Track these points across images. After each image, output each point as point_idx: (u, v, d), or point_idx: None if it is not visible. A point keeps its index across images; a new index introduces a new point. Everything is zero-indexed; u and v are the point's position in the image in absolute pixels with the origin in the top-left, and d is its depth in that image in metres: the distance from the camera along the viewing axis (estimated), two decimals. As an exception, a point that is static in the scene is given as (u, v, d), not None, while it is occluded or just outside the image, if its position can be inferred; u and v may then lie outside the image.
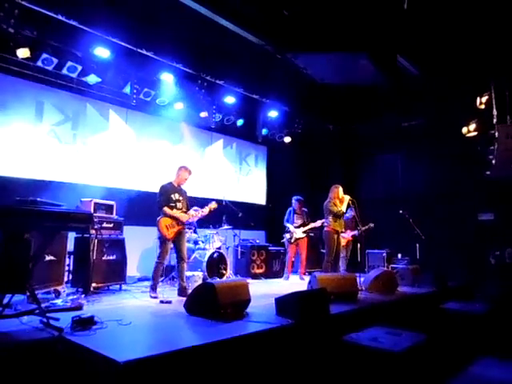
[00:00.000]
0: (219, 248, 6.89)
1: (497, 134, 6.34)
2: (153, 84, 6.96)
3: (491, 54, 6.39)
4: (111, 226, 5.73)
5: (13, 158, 6.06)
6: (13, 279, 3.34)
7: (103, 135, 7.25)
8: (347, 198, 6.46)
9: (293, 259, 7.98)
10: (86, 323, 3.16)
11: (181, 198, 5.36)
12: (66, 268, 5.21)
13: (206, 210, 5.69)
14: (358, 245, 7.76)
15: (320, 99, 8.70)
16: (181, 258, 5.28)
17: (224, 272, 6.66)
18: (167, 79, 6.84)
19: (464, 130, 7.42)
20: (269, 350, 3.27)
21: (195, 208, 5.90)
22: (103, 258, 5.42)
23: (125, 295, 5.28)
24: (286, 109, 8.72)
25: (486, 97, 6.71)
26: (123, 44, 5.82)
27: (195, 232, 7.21)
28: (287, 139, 9.34)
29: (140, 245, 7.19)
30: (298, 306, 3.79)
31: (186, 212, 5.38)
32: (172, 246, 5.26)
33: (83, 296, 4.78)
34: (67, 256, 5.19)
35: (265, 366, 3.13)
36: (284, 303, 3.97)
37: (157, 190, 5.39)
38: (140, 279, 6.72)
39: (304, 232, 7.51)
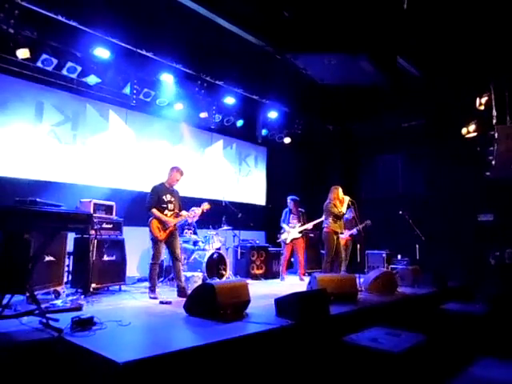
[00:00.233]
0: (219, 249, 6.89)
1: (496, 134, 6.34)
2: (153, 84, 6.96)
3: (491, 55, 6.39)
4: (111, 226, 5.74)
5: (13, 159, 6.06)
6: (12, 280, 3.34)
7: (103, 136, 7.25)
8: (347, 198, 6.46)
9: (292, 259, 7.99)
10: (85, 324, 3.16)
11: (173, 199, 5.35)
12: (66, 268, 5.21)
13: (198, 211, 5.68)
14: (358, 245, 7.76)
15: (320, 100, 8.70)
16: (175, 259, 5.28)
17: (224, 273, 6.65)
18: (167, 80, 6.84)
19: (464, 130, 7.43)
20: (269, 350, 3.27)
21: (193, 208, 5.90)
22: (103, 259, 5.42)
23: (124, 296, 5.28)
24: (286, 109, 8.72)
25: (486, 97, 6.71)
26: (123, 44, 5.82)
27: (195, 233, 7.21)
28: (287, 140, 9.34)
29: (140, 245, 7.17)
30: (298, 306, 3.79)
31: (178, 213, 5.37)
32: (165, 246, 5.26)
33: (83, 297, 4.78)
34: (67, 256, 5.19)
35: (265, 367, 3.13)
36: (284, 304, 3.97)
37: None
38: (140, 280, 6.71)
39: (300, 232, 7.50)
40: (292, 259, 8.26)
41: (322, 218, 7.12)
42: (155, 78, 6.82)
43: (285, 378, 3.20)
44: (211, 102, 7.75)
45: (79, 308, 4.00)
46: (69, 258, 5.36)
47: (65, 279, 5.12)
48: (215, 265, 6.59)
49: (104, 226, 5.59)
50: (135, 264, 7.09)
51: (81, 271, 5.25)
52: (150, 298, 5.00)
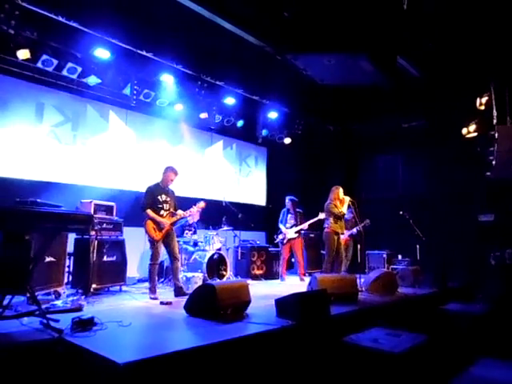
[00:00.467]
0: (219, 249, 6.89)
1: (497, 134, 6.33)
2: (153, 85, 6.97)
3: (491, 55, 6.39)
4: (111, 227, 5.74)
5: (13, 159, 6.06)
6: (13, 280, 3.34)
7: (103, 136, 7.26)
8: (347, 199, 6.46)
9: (292, 260, 7.99)
10: (86, 324, 3.16)
11: (168, 199, 5.35)
12: (66, 269, 5.22)
13: (193, 210, 5.70)
14: (358, 246, 7.76)
15: (320, 100, 8.70)
16: (174, 258, 5.29)
17: (224, 273, 6.66)
18: (167, 80, 6.85)
19: (464, 130, 7.42)
20: (269, 351, 3.27)
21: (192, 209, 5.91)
22: (103, 259, 5.42)
23: (125, 296, 5.28)
24: (286, 110, 8.72)
25: (486, 97, 6.70)
26: (123, 45, 5.83)
27: (195, 233, 7.20)
28: (287, 140, 9.35)
29: (140, 246, 7.17)
30: (299, 307, 3.79)
31: (173, 212, 5.37)
32: (163, 246, 5.26)
33: (83, 297, 4.78)
34: (67, 257, 5.20)
35: (265, 368, 3.13)
36: (284, 304, 3.96)
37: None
38: (140, 280, 6.72)
39: (296, 232, 7.49)
40: (292, 259, 8.27)
41: (318, 218, 7.14)
42: (155, 79, 6.82)
43: (285, 378, 3.20)
44: (211, 103, 7.76)
45: (80, 309, 4.00)
46: (69, 258, 5.38)
47: (65, 280, 5.12)
48: (216, 265, 6.59)
49: (104, 226, 5.59)
50: (135, 264, 7.09)
51: (81, 272, 5.25)
52: (151, 298, 5.00)
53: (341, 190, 6.50)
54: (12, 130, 6.10)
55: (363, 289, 5.83)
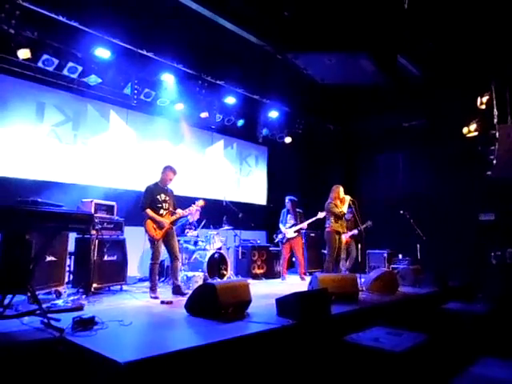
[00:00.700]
0: (220, 248, 6.89)
1: (497, 133, 6.32)
2: (153, 84, 6.97)
3: (492, 54, 6.38)
4: (112, 226, 5.74)
5: (14, 159, 6.07)
6: (14, 280, 3.35)
7: (104, 136, 7.26)
8: (348, 198, 6.45)
9: (293, 259, 7.98)
10: (86, 324, 3.16)
11: (167, 199, 5.36)
12: (67, 268, 5.22)
13: (192, 209, 5.70)
14: (359, 245, 7.76)
15: (320, 99, 8.70)
16: (174, 257, 5.30)
17: (225, 272, 6.66)
18: (168, 80, 6.85)
19: (465, 130, 7.41)
20: (270, 350, 3.27)
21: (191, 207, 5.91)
22: (104, 259, 5.43)
23: (125, 296, 5.28)
24: (287, 109, 8.72)
25: (487, 97, 6.69)
26: (124, 45, 5.83)
27: (195, 230, 7.18)
28: (288, 139, 9.35)
29: (141, 245, 7.17)
30: (299, 306, 3.79)
31: (173, 211, 5.38)
32: (163, 246, 5.27)
33: (84, 296, 4.79)
34: (68, 256, 5.21)
35: (266, 367, 3.13)
36: (285, 303, 3.96)
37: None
38: (141, 280, 6.72)
39: (295, 232, 7.48)
40: (293, 259, 8.27)
41: (317, 217, 7.15)
42: (156, 78, 6.82)
43: (286, 377, 3.20)
44: (212, 102, 7.76)
45: (80, 308, 4.01)
46: (70, 258, 5.38)
47: (66, 279, 5.12)
48: (216, 265, 6.60)
49: (105, 226, 5.60)
50: (136, 264, 7.10)
51: (82, 271, 5.26)
52: (151, 297, 5.01)
53: (341, 189, 6.49)
54: (13, 130, 6.10)
55: (364, 288, 5.82)
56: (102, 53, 5.89)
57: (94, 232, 5.19)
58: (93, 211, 5.39)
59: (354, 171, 10.16)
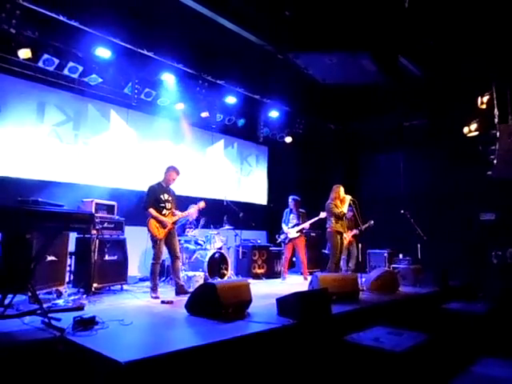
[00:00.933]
0: (220, 248, 6.89)
1: (498, 133, 6.31)
2: (154, 84, 6.97)
3: (492, 54, 6.37)
4: (112, 226, 5.74)
5: (14, 159, 6.07)
6: (15, 279, 3.35)
7: (104, 135, 7.26)
8: (348, 197, 6.44)
9: (294, 259, 7.98)
10: (87, 323, 3.17)
11: (170, 199, 5.37)
12: (68, 268, 5.22)
13: (193, 210, 5.70)
14: (360, 245, 7.76)
15: (321, 99, 8.69)
16: (175, 257, 5.31)
17: (225, 272, 6.66)
18: (168, 79, 6.84)
19: (465, 129, 7.40)
20: (270, 350, 3.27)
21: (190, 207, 5.92)
22: (104, 259, 5.43)
23: (126, 295, 5.29)
24: (287, 109, 8.72)
25: (488, 96, 6.68)
26: (124, 44, 5.83)
27: (195, 229, 7.18)
28: (288, 139, 9.35)
29: (141, 245, 7.17)
30: (300, 306, 3.79)
31: (174, 212, 5.39)
32: (164, 245, 5.27)
33: (85, 296, 4.79)
34: (69, 256, 5.21)
35: (266, 366, 3.13)
36: (285, 303, 3.97)
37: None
38: (141, 279, 6.72)
39: (298, 231, 7.47)
40: (294, 259, 8.27)
41: (319, 217, 7.14)
42: (156, 78, 6.82)
43: (287, 377, 3.20)
44: (212, 102, 7.75)
45: (81, 308, 4.01)
46: (71, 257, 5.38)
47: (67, 279, 5.13)
48: (217, 264, 6.60)
49: (106, 225, 5.60)
50: (137, 263, 7.10)
51: (82, 271, 5.26)
52: (152, 297, 5.01)
53: (342, 189, 6.48)
54: (13, 130, 6.11)
55: (364, 288, 5.82)
56: (103, 52, 5.89)
57: (94, 232, 5.20)
58: (93, 211, 5.39)
59: (355, 171, 10.16)
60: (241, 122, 8.52)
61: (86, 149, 6.97)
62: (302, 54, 6.54)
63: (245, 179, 9.89)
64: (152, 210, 5.16)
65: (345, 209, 6.41)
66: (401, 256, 8.19)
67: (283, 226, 7.59)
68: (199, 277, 5.83)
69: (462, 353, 3.65)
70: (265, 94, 8.00)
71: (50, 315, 3.27)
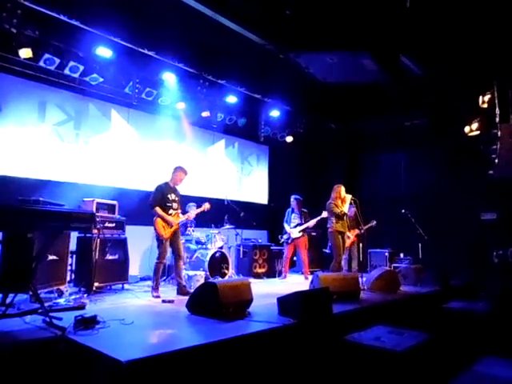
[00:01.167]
0: (221, 247, 6.90)
1: (499, 133, 6.30)
2: (155, 84, 6.97)
3: (494, 53, 6.36)
4: (113, 225, 5.75)
5: (15, 158, 6.07)
6: (16, 278, 3.36)
7: (105, 135, 7.26)
8: (349, 197, 6.44)
9: (294, 258, 7.97)
10: (88, 323, 3.17)
11: (176, 199, 5.40)
12: (69, 267, 5.23)
13: (192, 214, 5.73)
14: (361, 244, 7.75)
15: (322, 98, 8.68)
16: (179, 257, 5.32)
17: (226, 271, 6.66)
18: (169, 79, 6.84)
19: (466, 129, 7.39)
20: (271, 349, 3.27)
21: (192, 204, 5.92)
22: (105, 258, 5.44)
23: (127, 295, 5.29)
24: (288, 108, 8.71)
25: (489, 96, 6.67)
26: (125, 44, 5.82)
27: (194, 227, 7.17)
28: (289, 139, 9.35)
29: (142, 244, 7.19)
30: (301, 305, 3.79)
31: (180, 212, 5.42)
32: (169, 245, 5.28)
33: (86, 295, 4.80)
34: (70, 255, 5.21)
35: (267, 366, 3.13)
36: (286, 303, 3.97)
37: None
38: (142, 279, 6.72)
39: (300, 231, 7.46)
40: (295, 258, 8.26)
41: (321, 216, 7.12)
42: (157, 77, 6.82)
43: (287, 376, 3.20)
44: (213, 101, 7.75)
45: (82, 307, 4.02)
46: (72, 257, 5.39)
47: (68, 278, 5.14)
48: (218, 264, 6.60)
49: (107, 225, 5.60)
50: (138, 263, 7.10)
51: (84, 270, 5.27)
52: (153, 296, 5.01)
53: (342, 189, 6.48)
54: (14, 129, 6.11)
55: (365, 287, 5.82)
56: (104, 52, 5.89)
57: (95, 231, 5.20)
58: (94, 210, 5.39)
59: (356, 170, 10.15)
60: (242, 121, 8.52)
61: (86, 148, 6.98)
62: (302, 54, 6.54)
63: (246, 179, 9.89)
64: (158, 209, 5.17)
65: (345, 208, 6.41)
66: (402, 255, 8.19)
67: (285, 225, 7.58)
68: (200, 276, 5.84)
69: (463, 352, 3.65)
70: (266, 94, 7.99)
71: (51, 314, 3.28)
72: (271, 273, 7.76)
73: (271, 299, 4.41)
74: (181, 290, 5.20)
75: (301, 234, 7.46)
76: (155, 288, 5.11)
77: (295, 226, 7.48)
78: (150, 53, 6.06)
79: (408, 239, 7.70)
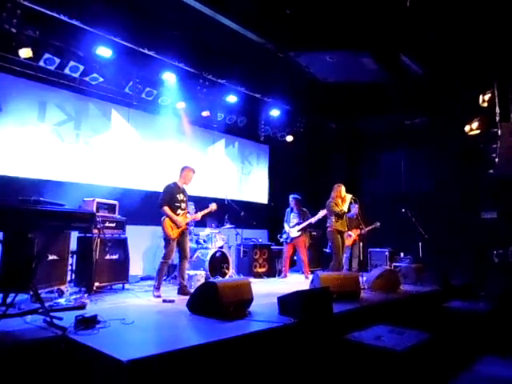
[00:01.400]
0: (221, 247, 6.90)
1: (500, 131, 6.30)
2: (155, 83, 6.97)
3: (494, 52, 6.35)
4: (114, 225, 5.75)
5: (15, 158, 6.07)
6: (16, 278, 3.36)
7: (105, 135, 7.26)
8: (349, 196, 6.44)
9: (294, 258, 7.97)
10: (89, 322, 3.17)
11: (185, 199, 5.42)
12: (69, 267, 5.23)
13: (200, 214, 5.74)
14: (361, 243, 7.75)
15: (322, 98, 8.68)
16: (184, 257, 5.32)
17: (226, 271, 6.66)
18: (169, 78, 6.84)
19: (467, 128, 7.39)
20: (272, 348, 3.27)
21: (190, 203, 5.93)
22: (106, 258, 5.44)
23: (128, 294, 5.29)
24: (288, 107, 8.71)
25: (489, 95, 6.66)
26: (125, 43, 5.83)
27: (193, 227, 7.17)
28: (289, 138, 9.35)
29: (142, 244, 7.20)
30: (301, 304, 3.79)
31: (188, 212, 5.44)
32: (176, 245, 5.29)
33: (86, 295, 4.80)
34: (70, 255, 5.22)
35: (268, 365, 3.13)
36: (287, 302, 3.97)
37: (159, 190, 5.40)
38: (143, 278, 6.73)
39: (299, 231, 7.44)
40: (295, 258, 8.26)
41: (319, 215, 7.10)
42: (157, 77, 6.82)
43: (288, 375, 3.21)
44: (213, 101, 7.75)
45: (83, 306, 4.02)
46: (72, 256, 5.39)
47: (68, 278, 5.14)
48: (218, 263, 6.61)
49: (107, 224, 5.60)
50: (138, 263, 7.11)
51: (84, 270, 5.27)
52: (154, 296, 5.01)
53: (343, 188, 6.48)
54: (14, 129, 6.11)
55: (366, 286, 5.82)
56: (104, 52, 5.89)
57: (95, 231, 5.21)
58: (95, 210, 5.39)
59: (356, 170, 10.15)
60: (242, 120, 8.52)
61: (87, 148, 6.98)
62: (303, 53, 6.54)
63: (246, 178, 9.89)
64: (167, 209, 5.17)
65: (345, 208, 6.41)
66: (402, 255, 8.19)
67: (285, 225, 7.59)
68: (200, 276, 5.84)
69: (464, 351, 3.65)
70: (266, 93, 7.99)
71: (51, 314, 3.28)
72: (271, 272, 7.75)
73: (271, 299, 4.41)
74: (182, 290, 5.21)
75: (299, 233, 7.44)
76: (157, 287, 5.11)
77: (294, 226, 7.47)
78: (150, 52, 6.06)
79: (408, 238, 7.69)
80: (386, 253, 8.28)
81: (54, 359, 2.80)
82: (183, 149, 8.42)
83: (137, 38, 5.86)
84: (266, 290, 5.66)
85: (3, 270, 3.56)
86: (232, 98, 7.79)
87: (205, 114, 7.80)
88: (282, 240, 7.69)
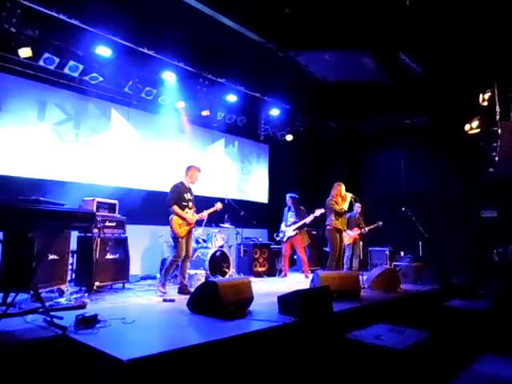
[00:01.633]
0: (222, 246, 6.90)
1: (500, 130, 6.30)
2: (154, 83, 6.96)
3: (494, 50, 6.35)
4: (114, 224, 5.74)
5: (15, 158, 6.07)
6: (17, 278, 3.35)
7: (105, 134, 7.26)
8: (349, 195, 6.44)
9: (294, 257, 7.97)
10: (89, 322, 3.18)
11: (191, 198, 5.46)
12: (69, 267, 5.23)
13: (206, 213, 5.76)
14: (361, 243, 7.76)
15: (322, 97, 8.68)
16: (187, 256, 5.34)
17: (227, 270, 6.67)
18: (169, 78, 6.84)
19: (467, 126, 7.39)
20: (272, 348, 3.27)
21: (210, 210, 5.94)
22: (106, 257, 5.44)
23: (128, 294, 5.30)
24: (288, 107, 8.70)
25: (489, 93, 6.66)
26: (125, 43, 5.82)
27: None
28: (289, 137, 9.34)
29: (143, 243, 7.20)
30: (301, 303, 3.79)
31: (196, 211, 5.47)
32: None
33: (86, 295, 4.80)
34: (70, 255, 5.22)
35: (268, 364, 3.13)
36: (287, 301, 3.97)
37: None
38: (143, 278, 6.73)
39: (295, 230, 7.39)
40: (295, 257, 8.27)
41: (313, 215, 7.08)
42: (157, 77, 6.82)
43: (288, 374, 3.21)
44: (213, 100, 7.74)
45: (83, 306, 4.02)
46: (72, 256, 5.39)
47: (68, 277, 5.14)
48: (218, 263, 6.61)
49: (107, 224, 5.60)
50: (138, 262, 7.11)
51: (84, 269, 5.27)
52: (160, 292, 5.06)
53: (343, 187, 6.48)
54: (14, 129, 6.11)
55: (366, 285, 5.83)
56: (103, 51, 5.88)
57: (95, 230, 5.20)
58: (95, 209, 5.39)
59: (356, 169, 10.15)
60: (241, 120, 8.51)
61: (86, 148, 6.98)
62: (302, 52, 6.53)
63: (246, 177, 9.89)
64: (176, 208, 5.21)
65: (345, 206, 6.41)
66: (402, 254, 8.20)
67: (282, 225, 7.58)
68: (200, 275, 5.84)
69: (464, 350, 3.65)
70: (265, 92, 7.98)
71: (52, 313, 3.28)
72: (271, 271, 7.75)
73: (272, 298, 4.41)
74: (182, 289, 5.22)
75: (295, 232, 7.40)
76: (163, 284, 5.14)
77: (291, 225, 7.46)
78: (149, 52, 6.06)
79: (408, 237, 7.70)
80: (387, 252, 8.29)
81: (54, 359, 2.80)
82: (183, 148, 8.42)
83: (136, 37, 5.85)
84: (266, 290, 5.67)
85: (3, 270, 3.55)
86: (232, 98, 7.79)
87: (204, 113, 7.80)
88: (278, 239, 7.69)
